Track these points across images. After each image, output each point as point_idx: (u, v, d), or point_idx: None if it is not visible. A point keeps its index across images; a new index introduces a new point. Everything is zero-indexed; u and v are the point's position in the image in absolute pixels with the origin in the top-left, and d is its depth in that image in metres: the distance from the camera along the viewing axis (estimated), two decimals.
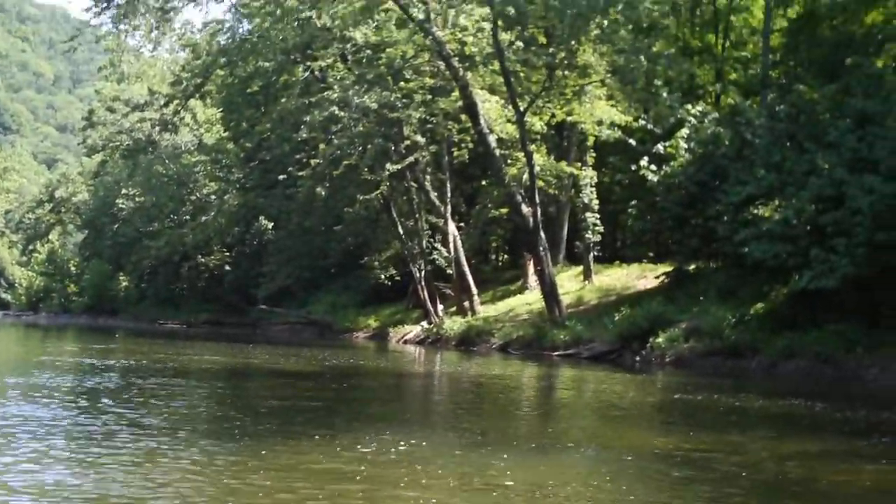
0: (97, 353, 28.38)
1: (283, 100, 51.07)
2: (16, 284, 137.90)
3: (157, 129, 69.90)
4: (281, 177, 50.50)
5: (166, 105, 57.78)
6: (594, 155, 43.68)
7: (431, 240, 47.18)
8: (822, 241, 24.66)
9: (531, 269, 45.89)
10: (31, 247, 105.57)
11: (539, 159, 39.84)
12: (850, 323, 24.74)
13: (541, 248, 36.14)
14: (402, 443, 10.72)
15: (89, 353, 28.06)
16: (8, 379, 17.31)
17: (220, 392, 17.16)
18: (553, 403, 17.69)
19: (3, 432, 10.52)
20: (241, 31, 48.26)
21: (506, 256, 61.49)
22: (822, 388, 21.17)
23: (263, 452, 9.65)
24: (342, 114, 40.98)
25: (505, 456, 10.00)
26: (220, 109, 65.81)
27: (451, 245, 44.62)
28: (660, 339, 28.53)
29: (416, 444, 10.68)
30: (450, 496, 8.22)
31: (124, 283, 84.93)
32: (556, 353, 31.84)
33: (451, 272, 45.49)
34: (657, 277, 37.70)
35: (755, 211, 28.02)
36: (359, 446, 10.32)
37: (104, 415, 12.64)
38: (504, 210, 49.88)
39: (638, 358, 29.02)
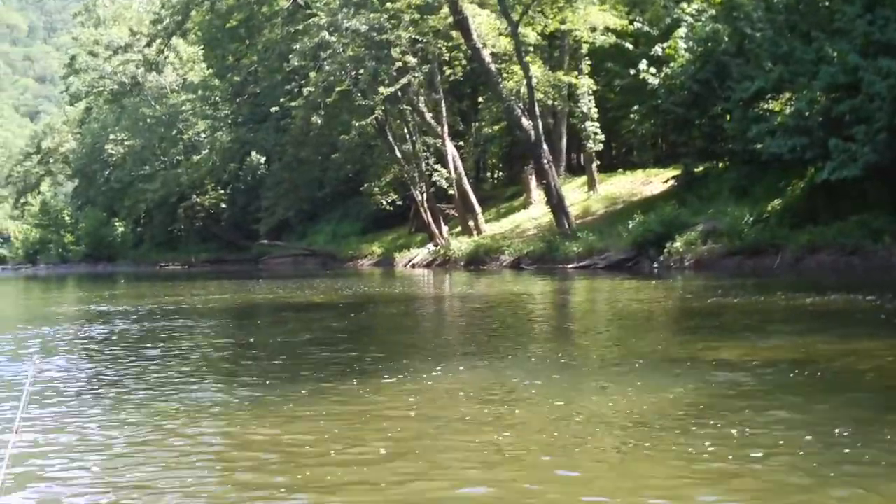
0: (105, 300, 27.86)
1: (268, 31, 50.20)
2: (11, 238, 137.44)
3: (142, 69, 68.86)
4: (273, 109, 49.67)
5: (149, 45, 56.67)
6: (589, 63, 42.92)
7: (430, 161, 46.50)
8: (839, 130, 24.08)
9: (533, 183, 45.39)
10: (22, 200, 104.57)
11: (536, 71, 39.06)
12: (873, 212, 24.24)
13: (545, 161, 35.58)
14: (463, 371, 10.15)
15: (97, 300, 27.52)
16: (24, 333, 16.81)
17: (245, 332, 16.61)
18: (596, 318, 17.08)
19: (37, 390, 10.03)
20: None
21: (501, 174, 60.88)
22: (855, 280, 20.73)
23: (316, 396, 9.07)
24: (332, 39, 40.12)
25: (595, 381, 9.31)
26: (202, 46, 64.76)
27: (451, 165, 44.02)
28: (677, 244, 28.06)
29: (484, 374, 10.05)
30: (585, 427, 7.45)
31: (120, 229, 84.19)
32: (571, 266, 31.41)
33: (452, 193, 44.90)
34: (665, 182, 37.22)
35: (766, 105, 27.44)
36: (421, 379, 9.68)
37: (129, 365, 12.15)
38: (499, 126, 49.27)
39: (656, 264, 28.58)
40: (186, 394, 9.32)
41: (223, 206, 67.83)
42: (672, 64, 33.65)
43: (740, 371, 9.30)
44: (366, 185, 51.71)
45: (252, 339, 14.41)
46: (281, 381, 9.87)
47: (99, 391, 9.75)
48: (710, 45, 32.48)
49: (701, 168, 34.38)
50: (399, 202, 51.32)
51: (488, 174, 61.11)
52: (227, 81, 58.10)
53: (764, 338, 11.97)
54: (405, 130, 46.91)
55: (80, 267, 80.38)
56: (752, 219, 27.33)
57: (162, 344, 14.06)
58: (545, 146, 36.13)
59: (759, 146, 26.71)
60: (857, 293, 16.82)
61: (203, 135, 68.44)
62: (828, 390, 8.37)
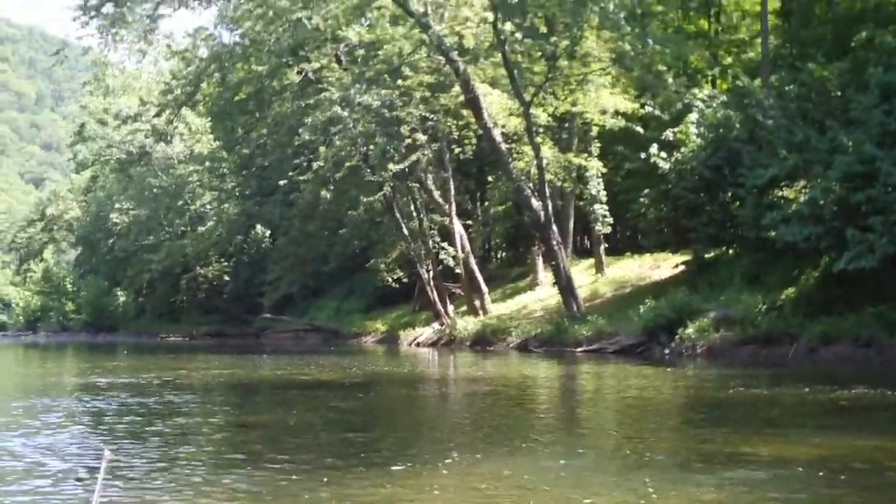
0: (106, 371, 27.58)
1: (278, 104, 50.32)
2: (12, 305, 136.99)
3: (151, 139, 69.06)
4: (281, 182, 49.64)
5: (158, 115, 56.82)
6: (598, 145, 42.98)
7: (437, 239, 46.35)
8: (855, 220, 23.90)
9: (540, 264, 45.26)
10: (24, 266, 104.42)
11: (547, 152, 39.07)
12: (890, 304, 23.95)
13: (554, 242, 35.41)
14: (479, 461, 9.86)
15: (99, 371, 27.23)
16: (23, 405, 16.49)
17: (253, 411, 16.30)
18: (612, 407, 16.72)
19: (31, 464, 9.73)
20: (229, 37, 47.47)
21: (506, 254, 60.66)
22: (872, 373, 20.41)
23: (334, 486, 8.75)
24: (344, 113, 40.16)
25: (611, 477, 9.00)
26: (210, 119, 65.02)
27: (458, 244, 43.84)
28: (689, 330, 27.73)
29: (514, 463, 9.73)
30: None
31: (122, 299, 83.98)
32: (580, 349, 31.06)
33: (459, 271, 44.66)
34: (674, 267, 36.98)
35: (780, 193, 27.28)
36: (436, 469, 9.41)
37: (131, 444, 11.83)
38: (505, 206, 49.17)
39: (667, 350, 28.22)
40: (196, 477, 9.02)
41: (226, 278, 67.59)
42: (683, 149, 33.62)
43: (764, 469, 9.00)
44: (372, 262, 51.48)
45: (262, 419, 14.16)
46: (296, 467, 9.58)
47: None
48: (721, 131, 32.47)
49: (711, 254, 34.18)
50: (405, 279, 51.03)
51: (494, 254, 60.91)
52: (236, 153, 58.24)
53: (789, 433, 11.67)
54: (412, 207, 46.85)
55: (80, 336, 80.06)
56: (765, 307, 27.04)
57: (167, 421, 13.79)
58: (554, 227, 35.99)
59: (773, 234, 26.51)
60: (877, 387, 16.50)
61: (209, 206, 68.47)
62: (859, 489, 8.07)
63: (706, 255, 34.25)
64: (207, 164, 67.95)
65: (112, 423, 13.50)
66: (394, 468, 9.40)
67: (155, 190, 74.07)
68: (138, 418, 13.95)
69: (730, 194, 31.47)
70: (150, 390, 19.40)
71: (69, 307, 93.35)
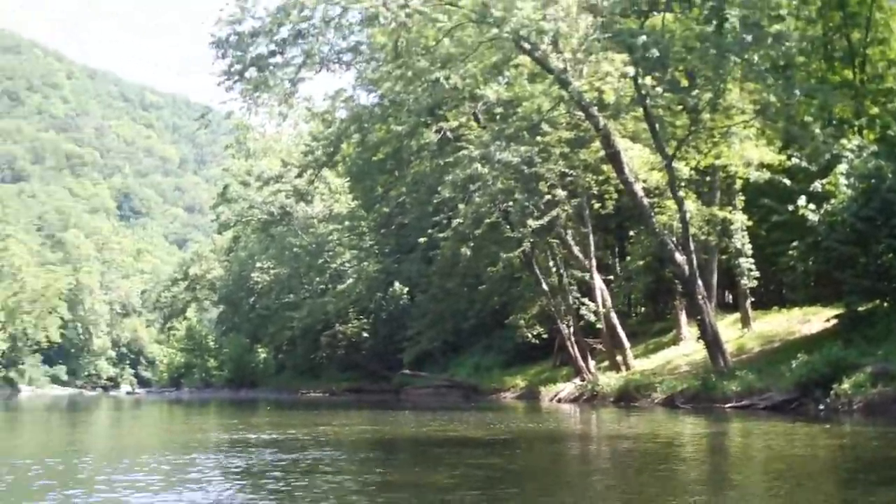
0: (253, 427, 27.96)
1: (416, 163, 50.93)
2: (156, 362, 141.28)
3: (292, 199, 70.64)
4: (420, 240, 50.04)
5: (299, 175, 58.06)
6: (742, 198, 42.22)
7: (577, 294, 46.02)
8: None
9: (684, 318, 44.54)
10: (168, 324, 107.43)
11: (690, 205, 38.52)
12: None
13: (699, 297, 34.76)
14: None
15: (244, 427, 27.63)
16: (171, 460, 16.76)
17: (401, 469, 16.21)
18: (779, 467, 15.86)
19: None
20: (368, 98, 48.25)
21: (645, 309, 59.87)
22: None
23: None
24: (483, 170, 40.36)
25: None
26: (349, 179, 66.10)
27: (599, 299, 43.43)
28: (845, 385, 26.77)
29: None
30: None
31: (263, 356, 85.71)
32: (729, 405, 30.26)
33: (599, 326, 44.20)
34: (826, 321, 35.91)
35: None
36: None
37: (291, 498, 11.87)
38: (645, 261, 48.58)
39: (822, 406, 27.29)
40: None
41: (365, 334, 68.31)
42: (833, 200, 32.78)
43: None
44: (511, 318, 51.37)
45: (408, 477, 13.91)
46: None
47: None
48: (873, 181, 31.61)
49: (866, 307, 33.10)
50: (544, 335, 50.71)
51: (634, 309, 60.19)
52: (375, 212, 59.06)
53: None
54: (552, 263, 46.71)
55: (222, 392, 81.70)
56: None
57: (314, 478, 13.73)
58: (699, 281, 35.39)
59: None
60: None
61: (348, 264, 69.47)
62: None
63: (860, 309, 33.15)
64: (347, 223, 69.10)
65: (260, 479, 13.53)
66: None
67: (295, 249, 75.59)
68: (285, 474, 13.97)
69: (884, 245, 30.55)
70: (295, 446, 19.49)
71: (212, 364, 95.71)
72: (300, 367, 77.98)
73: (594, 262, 44.10)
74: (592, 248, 44.28)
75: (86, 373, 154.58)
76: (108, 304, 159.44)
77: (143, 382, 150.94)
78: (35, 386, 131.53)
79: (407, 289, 62.74)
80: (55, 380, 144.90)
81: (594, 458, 18.28)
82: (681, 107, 36.41)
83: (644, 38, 32.17)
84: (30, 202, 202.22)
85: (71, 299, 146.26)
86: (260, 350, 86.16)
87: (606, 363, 44.12)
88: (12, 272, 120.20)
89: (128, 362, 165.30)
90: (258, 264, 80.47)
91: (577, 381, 43.14)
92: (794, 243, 35.87)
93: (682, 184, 39.49)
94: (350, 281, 67.06)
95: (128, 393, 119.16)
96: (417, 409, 39.27)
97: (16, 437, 27.56)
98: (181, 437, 25.31)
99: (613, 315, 43.89)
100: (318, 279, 73.18)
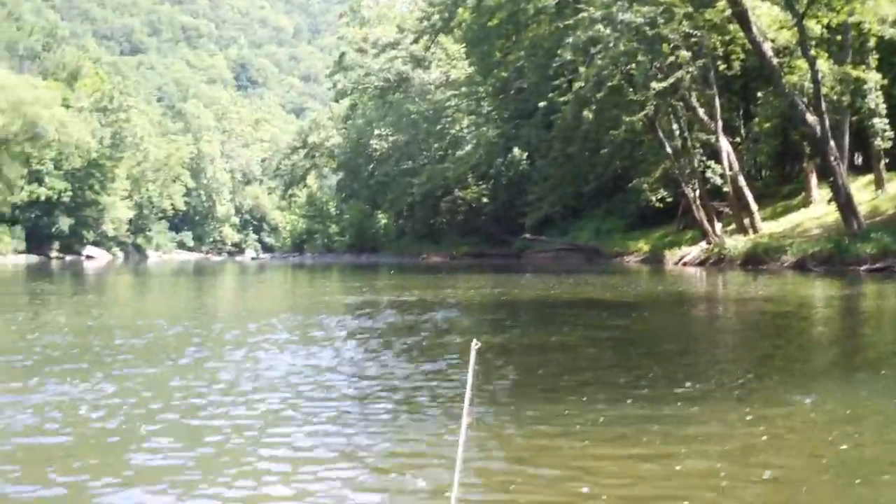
0: (379, 289, 28.34)
1: (534, 26, 50.05)
2: (279, 228, 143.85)
3: (409, 66, 70.37)
4: (540, 104, 49.50)
5: (416, 41, 57.73)
6: (876, 56, 40.64)
7: (703, 158, 45.25)
8: None
9: (814, 181, 43.60)
10: (289, 192, 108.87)
11: (822, 64, 37.24)
12: None
13: (832, 158, 33.92)
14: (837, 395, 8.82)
15: (371, 290, 28.05)
16: (307, 320, 17.04)
17: (541, 331, 16.21)
18: None
19: (324, 385, 9.97)
20: None
21: (771, 172, 58.64)
22: None
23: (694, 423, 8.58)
24: (605, 32, 39.54)
25: None
26: (465, 45, 65.44)
27: (725, 161, 42.62)
28: None
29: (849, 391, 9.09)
30: None
31: (383, 221, 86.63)
32: (863, 268, 29.73)
33: (726, 190, 43.48)
34: None
35: None
36: (785, 404, 8.37)
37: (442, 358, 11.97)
38: (773, 122, 47.39)
39: None
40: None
41: (485, 200, 68.39)
42: None
43: None
44: (634, 181, 50.80)
45: (547, 340, 13.73)
46: (601, 388, 9.40)
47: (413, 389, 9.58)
48: None
49: None
50: (669, 199, 50.09)
51: (761, 172, 58.98)
52: (494, 77, 58.47)
53: None
54: (675, 126, 45.90)
55: (344, 257, 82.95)
56: None
57: (444, 337, 13.71)
58: (832, 142, 34.45)
59: None
60: None
61: (466, 130, 69.22)
62: None
63: None
64: (464, 88, 68.67)
65: (387, 338, 13.35)
66: (730, 403, 9.11)
67: (413, 116, 75.57)
68: (413, 335, 13.82)
69: None
70: (421, 308, 19.46)
71: (333, 229, 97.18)
72: (420, 232, 78.53)
73: (720, 125, 43.13)
74: (718, 111, 43.25)
75: (211, 238, 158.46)
76: (230, 173, 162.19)
77: (266, 248, 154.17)
78: (162, 251, 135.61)
79: (526, 154, 62.30)
80: (181, 245, 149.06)
81: (724, 321, 18.11)
82: None
83: None
84: (149, 74, 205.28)
85: (193, 168, 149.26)
86: (380, 216, 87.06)
87: (733, 226, 43.51)
88: (136, 142, 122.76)
89: (251, 228, 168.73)
90: (376, 131, 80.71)
91: (703, 244, 42.74)
92: None
93: (814, 42, 38.16)
94: (469, 147, 66.97)
95: (252, 258, 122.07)
96: (540, 272, 39.40)
97: (148, 300, 28.40)
98: (307, 299, 25.73)
99: (740, 177, 43.08)
100: (436, 145, 73.18)
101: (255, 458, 6.33)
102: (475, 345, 4.72)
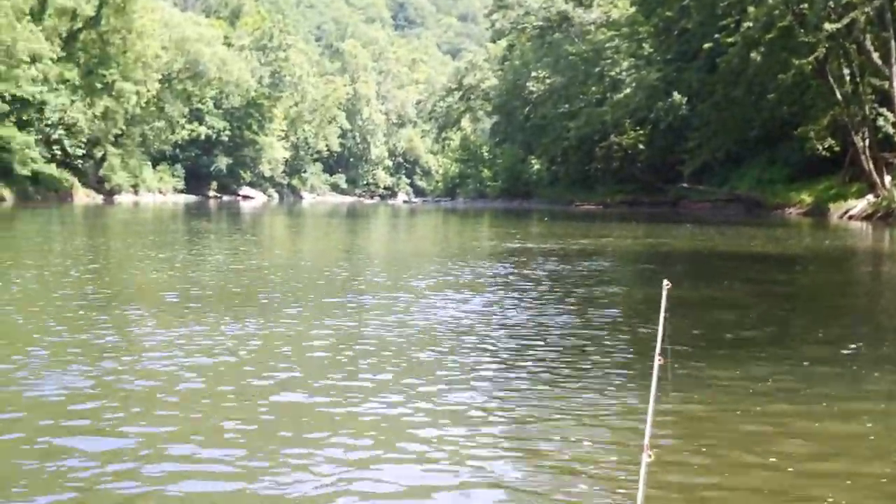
0: (533, 236, 27.84)
1: None
2: (431, 171, 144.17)
3: (570, 4, 68.79)
4: (705, 45, 47.54)
5: None
6: None
7: (875, 105, 42.80)
8: None
9: None
10: (443, 135, 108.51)
11: None
12: None
13: None
14: None
15: (524, 237, 27.45)
16: (459, 268, 16.46)
17: (708, 284, 15.22)
18: None
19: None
20: None
21: None
22: None
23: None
24: None
25: None
26: None
27: None
28: None
29: None
30: None
31: (536, 166, 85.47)
32: None
33: None
34: None
35: None
36: None
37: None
38: None
39: None
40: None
41: (641, 146, 66.54)
42: None
43: None
44: (800, 129, 48.39)
45: (707, 294, 12.85)
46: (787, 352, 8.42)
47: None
48: None
49: None
50: (836, 148, 47.58)
51: None
52: (657, 17, 56.57)
53: None
54: (847, 71, 43.56)
55: (496, 202, 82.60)
56: None
57: (602, 288, 13.10)
58: None
59: None
60: None
61: (626, 73, 67.35)
62: None
63: None
64: (626, 29, 66.78)
65: (541, 286, 13.04)
66: None
67: (572, 57, 73.99)
68: (570, 285, 13.33)
69: None
70: (578, 256, 18.90)
71: (486, 174, 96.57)
72: (573, 179, 77.04)
73: (895, 70, 40.66)
74: (894, 55, 40.73)
75: (364, 181, 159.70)
76: (385, 115, 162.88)
77: (418, 192, 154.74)
78: (316, 193, 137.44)
79: (686, 98, 60.21)
80: (335, 188, 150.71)
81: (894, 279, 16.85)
82: None
83: None
84: (308, 12, 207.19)
85: (349, 109, 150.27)
86: (533, 161, 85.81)
87: None
88: (294, 82, 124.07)
89: (404, 172, 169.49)
90: (533, 73, 79.33)
91: (871, 197, 40.55)
92: None
93: None
94: (628, 90, 65.13)
95: (404, 201, 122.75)
96: (698, 222, 38.04)
97: (305, 241, 28.39)
98: (461, 244, 25.35)
99: None
100: (594, 88, 71.47)
101: (443, 409, 6.00)
102: (666, 284, 5.03)
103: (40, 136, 62.79)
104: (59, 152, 65.24)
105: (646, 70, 63.80)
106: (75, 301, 10.84)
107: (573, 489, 4.58)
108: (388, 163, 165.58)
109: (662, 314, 4.71)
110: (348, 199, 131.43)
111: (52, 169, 63.36)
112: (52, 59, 62.90)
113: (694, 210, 53.82)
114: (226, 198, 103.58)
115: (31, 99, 60.84)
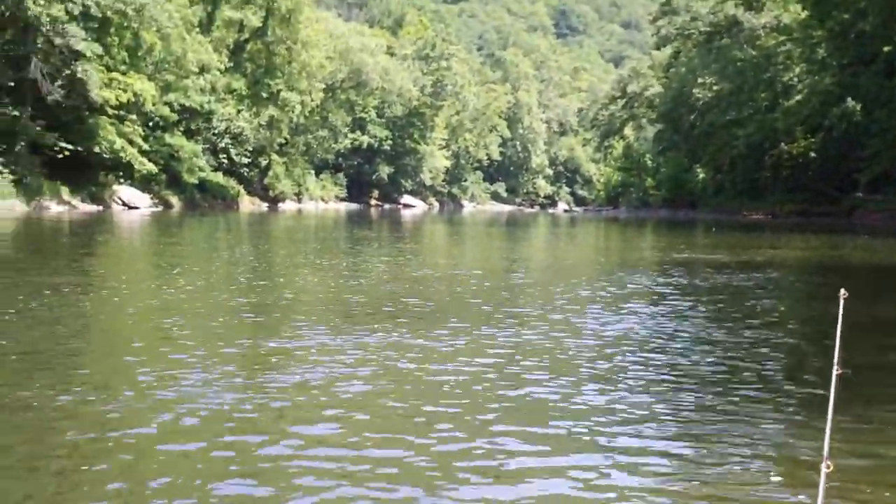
0: (701, 247, 26.65)
1: None
2: (592, 180, 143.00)
3: (741, 8, 66.78)
4: (884, 48, 45.28)
5: None
6: None
7: None
8: None
9: None
10: (605, 143, 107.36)
11: None
12: None
13: None
14: None
15: (691, 248, 26.23)
16: (624, 279, 15.52)
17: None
18: None
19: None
20: None
21: None
22: None
23: None
24: None
25: None
26: None
27: None
28: None
29: None
30: None
31: (701, 175, 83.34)
32: None
33: None
34: None
35: None
36: None
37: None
38: None
39: None
40: None
41: (812, 154, 63.93)
42: None
43: None
44: None
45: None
46: None
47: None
48: None
49: None
50: None
51: None
52: (832, 20, 54.20)
53: None
54: None
55: (660, 212, 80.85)
56: None
57: (772, 301, 11.96)
58: None
59: None
60: None
61: (797, 79, 64.92)
62: None
63: None
64: (797, 34, 64.37)
65: (710, 297, 12.36)
66: None
67: (740, 63, 71.85)
68: (739, 296, 12.48)
69: None
70: (750, 268, 17.74)
71: (649, 183, 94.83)
72: (740, 188, 74.61)
73: None
74: None
75: (524, 190, 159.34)
76: (546, 123, 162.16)
77: (579, 201, 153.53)
78: (476, 202, 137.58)
79: (861, 105, 57.53)
80: (495, 196, 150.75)
81: None
82: None
83: None
84: (470, 22, 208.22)
85: (510, 117, 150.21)
86: (698, 169, 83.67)
87: None
88: (455, 91, 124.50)
89: (564, 180, 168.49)
90: (699, 80, 77.35)
91: None
92: None
93: None
94: (800, 96, 62.70)
95: (565, 211, 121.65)
96: (875, 234, 35.96)
97: (468, 250, 27.79)
98: (625, 255, 24.46)
99: None
100: (763, 94, 69.15)
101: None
102: (843, 294, 4.95)
103: (207, 145, 64.20)
104: (225, 161, 66.67)
105: (819, 75, 61.28)
106: (241, 309, 10.56)
107: (751, 498, 4.40)
108: (549, 171, 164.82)
109: (840, 324, 4.66)
110: (508, 208, 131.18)
111: (218, 177, 64.79)
112: (219, 70, 64.33)
113: (870, 221, 51.23)
114: (387, 206, 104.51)
115: (199, 108, 62.15)
